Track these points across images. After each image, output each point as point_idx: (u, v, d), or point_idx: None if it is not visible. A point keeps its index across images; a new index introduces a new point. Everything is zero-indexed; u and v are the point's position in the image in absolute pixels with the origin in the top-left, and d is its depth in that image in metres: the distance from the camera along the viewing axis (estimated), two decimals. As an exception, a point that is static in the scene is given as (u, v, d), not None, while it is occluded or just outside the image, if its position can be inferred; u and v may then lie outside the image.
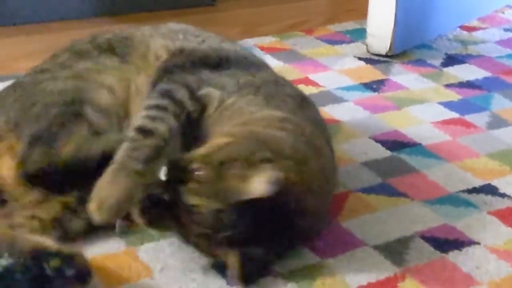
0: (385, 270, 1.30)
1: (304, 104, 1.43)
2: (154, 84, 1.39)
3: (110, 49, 1.49)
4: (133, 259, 1.30)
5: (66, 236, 1.31)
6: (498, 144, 1.73)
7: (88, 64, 1.45)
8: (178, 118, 1.30)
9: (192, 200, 1.20)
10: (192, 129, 1.31)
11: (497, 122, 1.83)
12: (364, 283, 1.27)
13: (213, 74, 1.41)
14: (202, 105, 1.33)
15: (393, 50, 2.14)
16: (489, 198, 1.52)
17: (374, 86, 1.98)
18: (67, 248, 1.18)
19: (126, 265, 1.29)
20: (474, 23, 2.44)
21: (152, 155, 1.24)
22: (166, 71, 1.41)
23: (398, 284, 1.27)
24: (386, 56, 2.15)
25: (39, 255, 1.15)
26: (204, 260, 1.30)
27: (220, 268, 1.28)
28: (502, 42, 2.31)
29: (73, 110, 1.36)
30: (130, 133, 1.28)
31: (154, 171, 1.25)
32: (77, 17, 2.32)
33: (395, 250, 1.35)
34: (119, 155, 1.24)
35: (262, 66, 1.54)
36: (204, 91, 1.35)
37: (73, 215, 1.33)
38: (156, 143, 1.26)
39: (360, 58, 2.15)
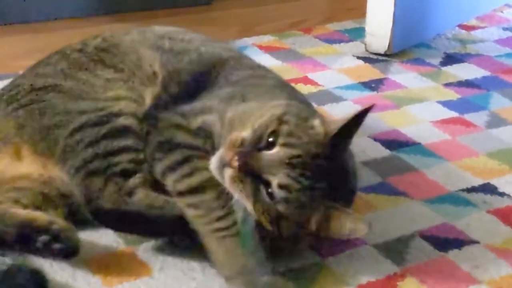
0: (385, 269, 1.30)
1: (291, 90, 1.49)
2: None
3: (100, 60, 1.46)
4: (133, 258, 1.30)
5: None
6: (497, 143, 1.73)
7: (89, 77, 1.42)
8: (201, 155, 1.29)
9: (291, 151, 1.21)
10: None
11: (496, 121, 1.83)
12: (364, 282, 1.27)
13: (195, 103, 1.39)
14: (207, 135, 1.32)
15: (392, 49, 2.14)
16: (488, 197, 1.52)
17: (373, 85, 1.98)
18: (57, 223, 1.25)
19: (126, 264, 1.29)
20: (473, 22, 2.44)
21: (224, 203, 1.25)
22: (150, 118, 1.38)
23: (398, 283, 1.27)
24: (385, 55, 2.15)
25: (29, 229, 1.25)
26: (203, 259, 1.30)
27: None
28: (501, 41, 2.31)
29: (111, 128, 1.34)
30: (182, 200, 1.26)
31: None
32: (74, 16, 2.32)
33: (395, 249, 1.35)
34: (203, 226, 1.24)
35: (242, 63, 1.54)
36: (197, 122, 1.34)
37: (51, 207, 1.33)
38: (217, 191, 1.25)
39: (359, 57, 2.15)
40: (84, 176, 1.30)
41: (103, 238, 1.34)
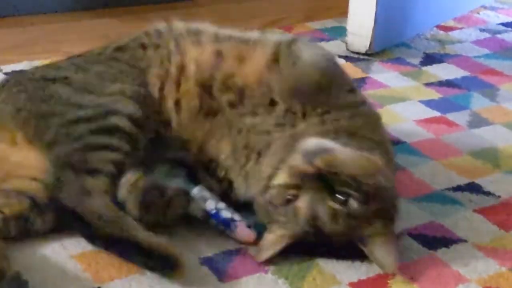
0: (375, 267, 1.30)
1: None
2: None
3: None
4: (123, 255, 1.29)
5: (27, 233, 1.31)
6: (480, 142, 1.74)
7: (102, 68, 1.44)
8: None
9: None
10: None
11: (477, 121, 1.84)
12: (355, 280, 1.28)
13: None
14: None
15: (373, 49, 2.15)
16: (474, 196, 1.53)
17: (355, 84, 1.98)
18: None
19: (116, 260, 1.27)
20: (451, 23, 2.45)
21: None
22: None
23: (389, 282, 1.27)
24: (366, 54, 2.16)
25: None
26: (194, 256, 1.29)
27: (210, 263, 1.28)
28: (479, 42, 2.33)
29: (102, 125, 1.34)
30: None
31: None
32: (54, 11, 2.29)
33: (384, 247, 1.35)
34: None
35: None
36: None
37: (38, 215, 1.31)
38: None
39: (340, 56, 2.15)
40: (60, 167, 1.30)
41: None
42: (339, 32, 2.27)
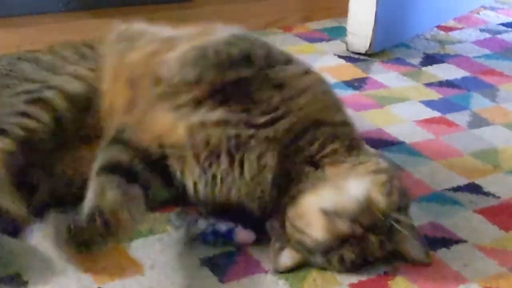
0: (376, 268, 1.30)
1: None
2: None
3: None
4: (123, 256, 1.29)
5: None
6: (480, 143, 1.74)
7: (70, 53, 1.50)
8: None
9: None
10: None
11: (477, 121, 1.84)
12: (355, 281, 1.27)
13: None
14: None
15: (373, 49, 2.15)
16: (474, 196, 1.53)
17: (355, 84, 1.99)
18: None
19: (116, 261, 1.28)
20: (451, 23, 2.46)
21: None
22: None
23: (389, 282, 1.27)
24: (365, 54, 2.16)
25: None
26: (194, 257, 1.30)
27: (211, 264, 1.28)
28: (479, 42, 2.33)
29: (34, 96, 1.38)
30: None
31: None
32: (51, 11, 2.29)
33: (384, 248, 1.35)
34: None
35: None
36: None
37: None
38: None
39: (340, 56, 2.15)
40: None
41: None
42: (339, 32, 2.27)
